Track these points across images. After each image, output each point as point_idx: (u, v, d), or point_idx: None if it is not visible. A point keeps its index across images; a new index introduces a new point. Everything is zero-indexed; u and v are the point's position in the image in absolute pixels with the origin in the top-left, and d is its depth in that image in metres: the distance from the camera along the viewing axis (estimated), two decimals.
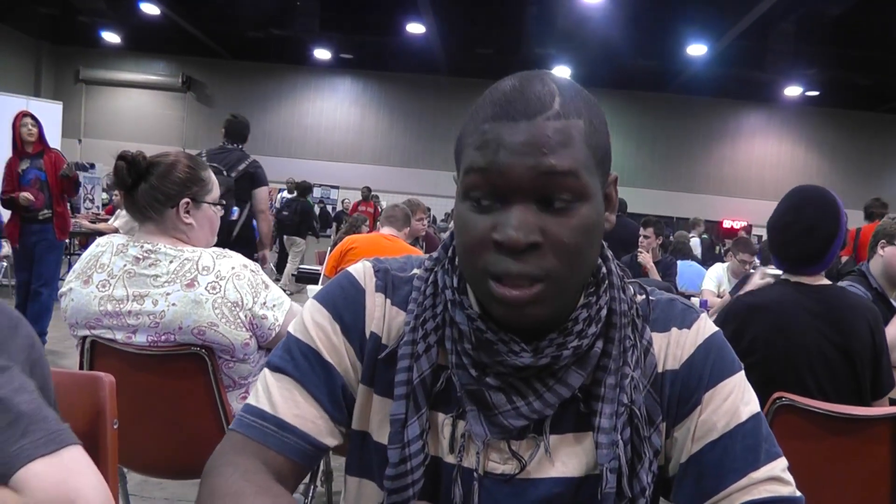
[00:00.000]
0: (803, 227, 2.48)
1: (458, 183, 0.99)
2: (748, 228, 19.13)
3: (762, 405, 2.20)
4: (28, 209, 6.19)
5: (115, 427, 1.47)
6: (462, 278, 1.01)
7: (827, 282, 2.57)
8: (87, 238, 9.25)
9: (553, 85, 0.91)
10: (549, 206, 0.89)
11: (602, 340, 0.99)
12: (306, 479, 2.75)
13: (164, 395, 2.22)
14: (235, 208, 5.26)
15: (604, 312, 0.98)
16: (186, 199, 2.22)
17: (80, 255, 2.23)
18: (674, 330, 1.04)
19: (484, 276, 0.90)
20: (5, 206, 6.32)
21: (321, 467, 2.85)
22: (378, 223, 5.21)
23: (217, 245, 4.58)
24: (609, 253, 1.03)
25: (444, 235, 1.15)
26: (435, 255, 1.08)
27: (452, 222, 1.05)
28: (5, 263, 9.27)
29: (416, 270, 1.09)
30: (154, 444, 2.26)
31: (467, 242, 0.91)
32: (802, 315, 2.44)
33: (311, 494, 2.72)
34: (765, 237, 3.10)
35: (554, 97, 0.90)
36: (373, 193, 16.37)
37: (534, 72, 0.95)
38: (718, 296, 5.68)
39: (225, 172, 5.23)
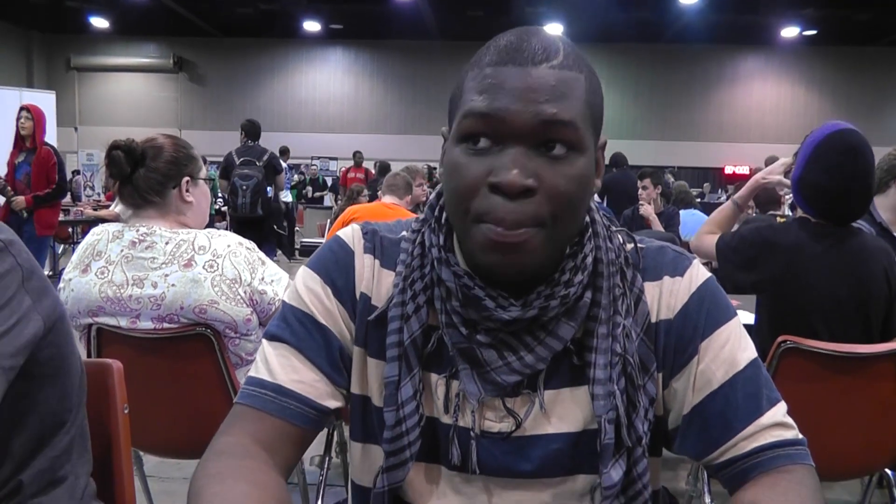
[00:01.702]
0: (866, 190, 2.40)
1: (449, 131, 0.98)
2: (751, 173, 19.06)
3: (770, 345, 2.22)
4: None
5: (126, 412, 1.48)
6: (449, 236, 1.01)
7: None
8: (89, 226, 9.28)
9: (558, 40, 0.92)
10: (546, 153, 0.88)
11: (591, 290, 0.98)
12: (321, 451, 2.77)
13: (174, 377, 2.23)
14: (269, 188, 6.91)
15: (589, 260, 0.97)
16: (187, 178, 2.24)
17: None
18: (666, 278, 1.03)
19: (475, 221, 0.90)
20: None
21: (335, 438, 2.87)
22: (379, 192, 5.21)
23: (256, 216, 5.92)
24: (594, 204, 1.02)
25: (431, 197, 1.14)
26: (422, 215, 1.07)
27: (440, 175, 1.03)
28: None
29: (404, 233, 1.08)
30: (167, 425, 2.28)
31: (460, 186, 0.90)
32: (819, 260, 2.42)
33: (326, 465, 2.74)
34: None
35: (559, 48, 0.90)
36: (365, 158, 15.39)
37: (536, 27, 0.95)
38: None
39: (257, 162, 6.84)
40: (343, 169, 15.10)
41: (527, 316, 0.93)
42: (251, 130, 7.31)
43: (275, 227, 7.27)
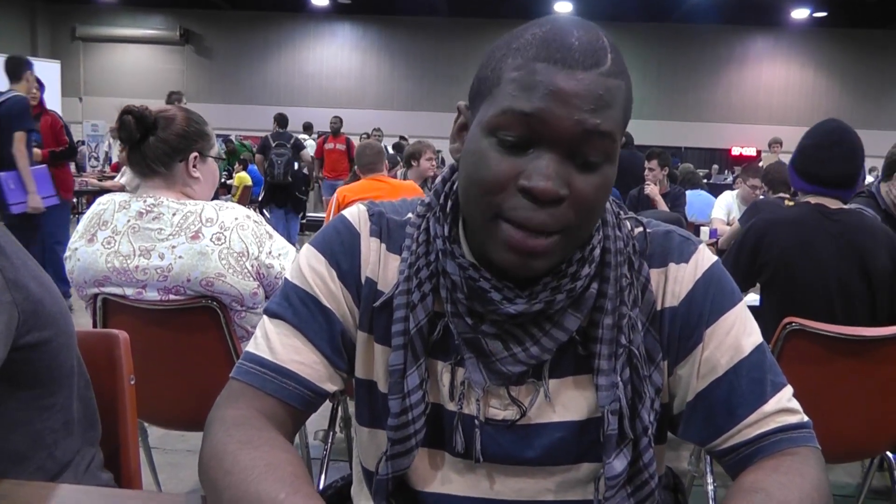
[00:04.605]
0: (847, 150, 2.56)
1: (469, 109, 0.95)
2: (758, 154, 18.97)
3: (775, 328, 2.23)
4: None
5: (132, 383, 1.48)
6: (454, 226, 0.99)
7: (844, 206, 2.59)
8: (94, 196, 9.28)
9: (605, 40, 0.88)
10: (580, 161, 0.86)
11: (597, 281, 0.97)
12: (325, 426, 2.78)
13: (179, 349, 2.24)
14: (296, 163, 9.57)
15: (597, 252, 0.96)
16: (195, 153, 2.23)
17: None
18: (671, 265, 1.02)
19: (496, 217, 0.88)
20: None
21: (339, 413, 2.88)
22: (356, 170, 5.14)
23: (286, 182, 9.66)
24: None
25: (436, 181, 1.10)
26: (427, 199, 1.05)
27: (455, 161, 1.00)
28: None
29: (410, 215, 1.06)
30: (172, 397, 2.29)
31: (486, 181, 0.87)
32: (823, 235, 2.48)
33: (330, 440, 2.75)
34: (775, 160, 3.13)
35: (608, 52, 0.86)
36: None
37: (580, 20, 0.90)
38: (728, 224, 5.66)
39: (287, 144, 9.50)
40: (319, 139, 12.59)
41: (533, 310, 0.92)
42: (282, 121, 10.48)
43: (297, 193, 9.82)
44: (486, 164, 0.87)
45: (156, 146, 2.18)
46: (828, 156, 2.55)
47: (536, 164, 0.85)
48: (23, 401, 1.22)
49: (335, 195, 4.84)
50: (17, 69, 5.89)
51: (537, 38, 0.86)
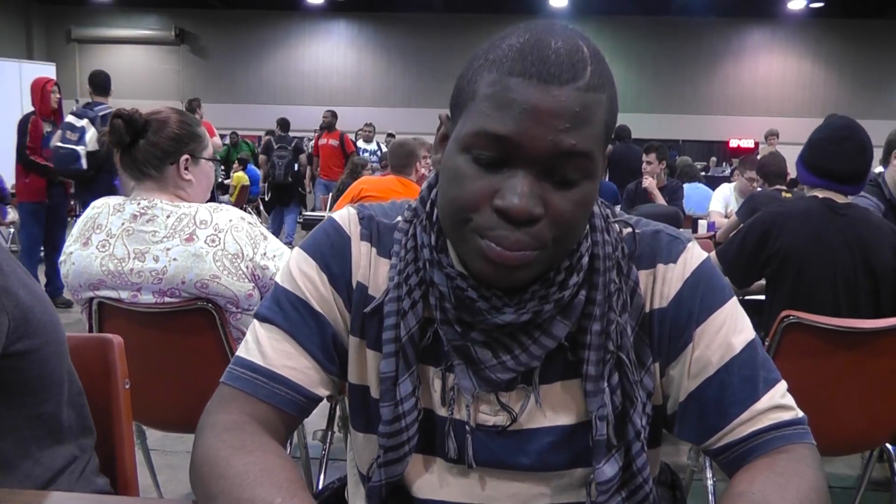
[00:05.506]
0: (857, 145, 2.56)
1: (449, 119, 0.95)
2: (755, 147, 18.94)
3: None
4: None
5: (127, 387, 1.47)
6: (440, 235, 0.97)
7: (852, 201, 2.61)
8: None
9: (586, 50, 0.86)
10: (557, 179, 0.85)
11: (586, 288, 0.96)
12: (323, 426, 2.78)
13: (175, 352, 2.24)
14: (296, 164, 10.94)
15: (585, 260, 0.95)
16: (186, 156, 2.22)
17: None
18: (660, 266, 1.01)
19: (473, 233, 0.87)
20: (26, 167, 6.57)
21: (338, 412, 2.87)
22: (381, 168, 5.16)
23: (287, 182, 11.25)
24: None
25: (423, 187, 1.09)
26: (413, 204, 1.03)
27: (434, 172, 0.99)
28: (13, 230, 9.25)
29: (399, 218, 1.05)
30: (169, 400, 2.29)
31: (461, 199, 0.87)
32: (830, 229, 2.51)
33: (329, 440, 2.75)
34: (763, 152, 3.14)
35: (587, 65, 0.85)
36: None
37: (561, 27, 0.88)
38: (726, 216, 5.66)
39: (288, 147, 10.87)
40: (315, 136, 11.93)
41: (521, 320, 0.92)
42: (283, 125, 11.73)
43: (299, 189, 11.24)
44: (462, 183, 0.87)
45: (146, 150, 2.17)
46: (837, 150, 2.56)
47: (511, 182, 0.84)
48: (12, 408, 1.21)
49: (351, 186, 4.81)
50: (107, 84, 6.68)
51: (514, 50, 0.85)
